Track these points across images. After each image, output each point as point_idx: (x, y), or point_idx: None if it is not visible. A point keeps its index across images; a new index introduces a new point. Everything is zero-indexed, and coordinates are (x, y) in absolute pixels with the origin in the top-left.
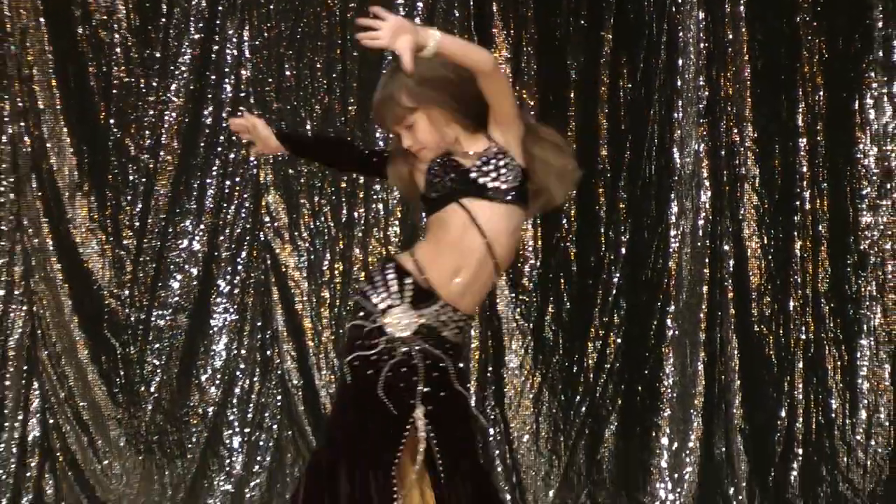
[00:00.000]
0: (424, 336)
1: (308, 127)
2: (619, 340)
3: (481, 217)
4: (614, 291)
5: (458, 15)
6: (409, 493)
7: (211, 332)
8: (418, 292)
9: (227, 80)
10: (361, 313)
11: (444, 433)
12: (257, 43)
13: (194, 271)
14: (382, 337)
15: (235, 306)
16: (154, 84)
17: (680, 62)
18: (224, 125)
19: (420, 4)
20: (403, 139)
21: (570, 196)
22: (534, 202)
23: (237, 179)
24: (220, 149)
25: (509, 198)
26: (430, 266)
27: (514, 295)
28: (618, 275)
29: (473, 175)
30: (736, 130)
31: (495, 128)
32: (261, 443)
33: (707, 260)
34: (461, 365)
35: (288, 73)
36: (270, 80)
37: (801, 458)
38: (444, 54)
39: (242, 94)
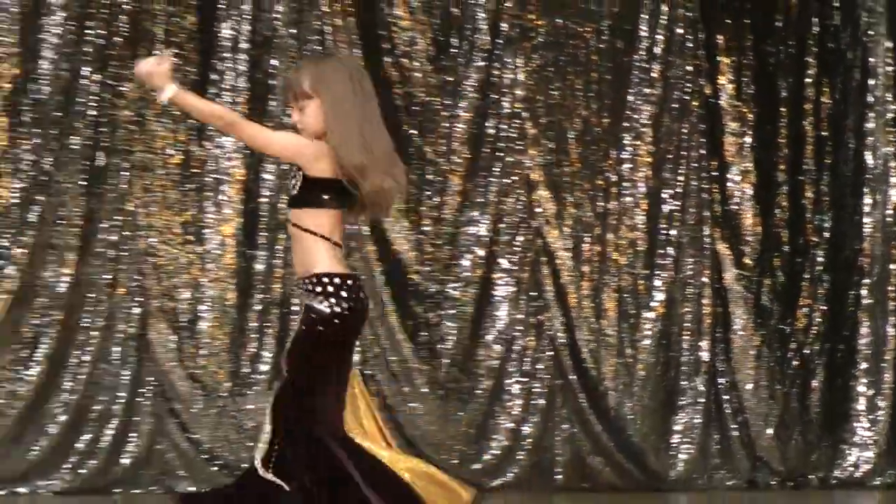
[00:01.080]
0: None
1: (570, 135)
2: (823, 307)
3: (304, 221)
4: (819, 268)
5: (690, 46)
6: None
7: (494, 300)
8: None
9: (505, 99)
10: None
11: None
12: (529, 68)
13: (481, 252)
14: None
15: (514, 280)
16: (447, 102)
17: (871, 82)
18: (502, 134)
19: (659, 37)
20: (293, 114)
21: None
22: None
23: (514, 178)
24: (500, 153)
25: (294, 204)
26: None
27: (738, 271)
28: (821, 255)
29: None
30: None
31: None
32: (535, 389)
33: (895, 242)
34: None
35: (553, 92)
36: (540, 97)
37: None
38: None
39: (517, 109)
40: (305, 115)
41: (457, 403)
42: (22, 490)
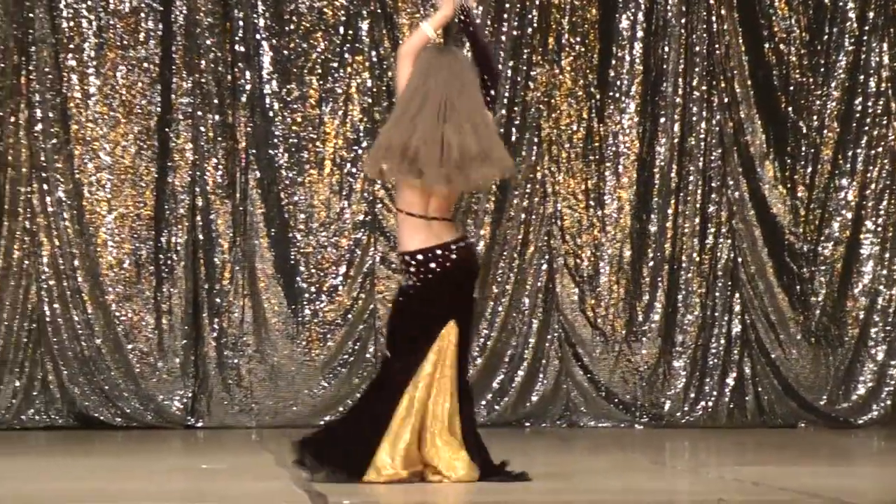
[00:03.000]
0: None
1: None
2: None
3: None
4: None
5: None
6: None
7: (861, 257)
8: None
9: (872, 79)
10: None
11: None
12: (894, 51)
13: (849, 215)
14: None
15: (878, 239)
16: (819, 82)
17: None
18: (869, 110)
19: None
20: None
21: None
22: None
23: (879, 150)
24: (866, 128)
25: None
26: None
27: None
28: None
29: None
30: None
31: None
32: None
33: None
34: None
35: None
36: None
37: None
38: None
39: (883, 88)
40: None
41: (826, 349)
42: None
